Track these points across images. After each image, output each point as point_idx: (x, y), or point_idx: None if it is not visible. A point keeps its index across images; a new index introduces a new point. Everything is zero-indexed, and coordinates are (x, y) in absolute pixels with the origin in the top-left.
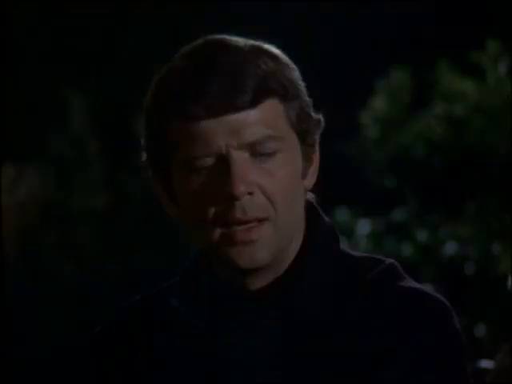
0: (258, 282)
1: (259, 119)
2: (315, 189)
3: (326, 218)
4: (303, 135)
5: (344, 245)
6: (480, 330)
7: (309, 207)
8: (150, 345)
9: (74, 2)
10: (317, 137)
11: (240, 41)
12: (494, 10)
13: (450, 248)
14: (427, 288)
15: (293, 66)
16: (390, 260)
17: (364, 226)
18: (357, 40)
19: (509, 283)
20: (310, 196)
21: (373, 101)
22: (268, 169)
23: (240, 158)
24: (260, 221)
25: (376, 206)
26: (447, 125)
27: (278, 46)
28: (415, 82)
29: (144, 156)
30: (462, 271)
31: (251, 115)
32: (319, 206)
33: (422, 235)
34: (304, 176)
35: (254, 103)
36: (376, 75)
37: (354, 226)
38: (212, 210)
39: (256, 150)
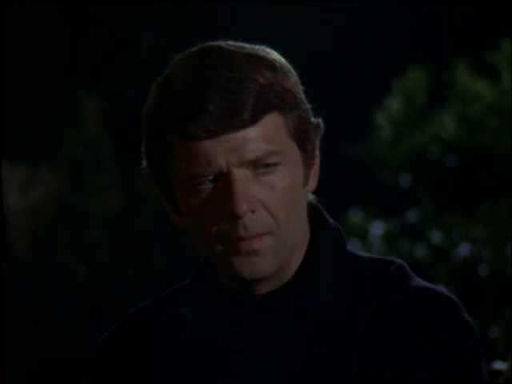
0: (265, 288)
1: (259, 136)
2: (327, 191)
3: (331, 220)
4: (303, 144)
5: (354, 246)
6: (494, 332)
7: (312, 210)
8: (159, 352)
9: (88, 4)
10: (317, 142)
11: (236, 49)
12: (509, 10)
13: (464, 249)
14: (437, 287)
15: (291, 72)
16: (399, 261)
17: (377, 228)
18: (373, 40)
19: None
20: (311, 197)
21: (388, 101)
22: (269, 182)
23: (241, 175)
24: (262, 234)
25: (389, 207)
26: (462, 125)
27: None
28: (431, 82)
29: (145, 163)
30: (475, 272)
31: (251, 132)
32: (325, 207)
33: (435, 236)
34: (306, 182)
35: (253, 121)
36: (391, 75)
37: (367, 227)
38: (214, 227)
39: (257, 166)
